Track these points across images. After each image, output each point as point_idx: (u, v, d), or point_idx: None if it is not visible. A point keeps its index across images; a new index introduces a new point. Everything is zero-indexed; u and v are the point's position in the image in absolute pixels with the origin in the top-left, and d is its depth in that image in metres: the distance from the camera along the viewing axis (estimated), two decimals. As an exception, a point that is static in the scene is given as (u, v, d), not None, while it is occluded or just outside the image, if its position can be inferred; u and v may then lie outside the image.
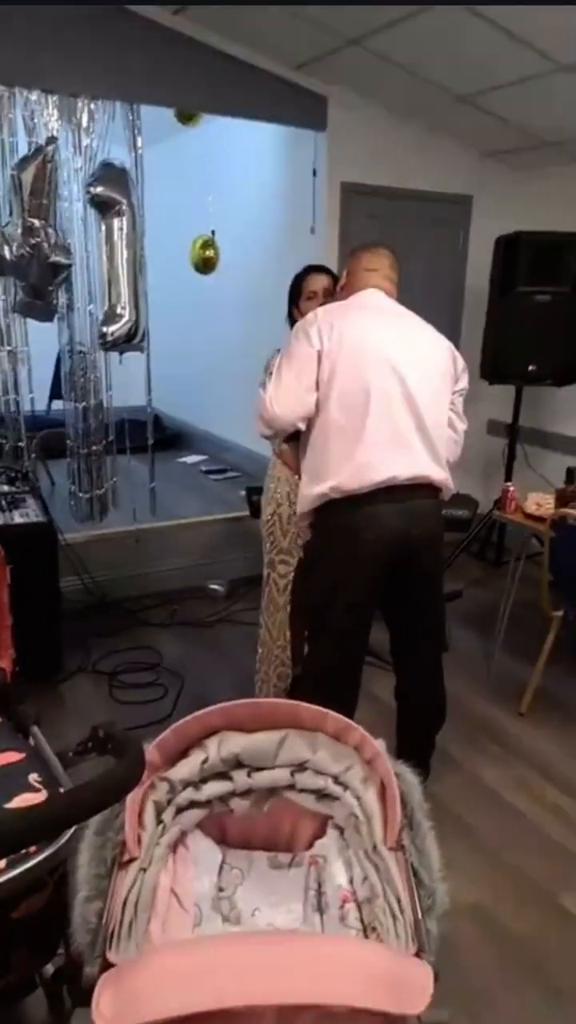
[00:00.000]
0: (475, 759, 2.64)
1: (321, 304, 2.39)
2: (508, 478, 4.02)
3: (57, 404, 4.52)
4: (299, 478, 2.24)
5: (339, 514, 2.07)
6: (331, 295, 2.43)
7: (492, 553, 4.31)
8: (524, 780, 2.55)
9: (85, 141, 3.35)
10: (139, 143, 3.48)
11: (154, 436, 4.08)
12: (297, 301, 2.52)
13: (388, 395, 2.02)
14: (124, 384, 3.96)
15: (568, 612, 2.83)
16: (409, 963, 0.92)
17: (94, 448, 3.81)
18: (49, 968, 1.29)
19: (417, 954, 1.03)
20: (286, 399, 2.05)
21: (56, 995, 1.33)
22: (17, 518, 3.02)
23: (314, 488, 2.09)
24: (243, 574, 3.89)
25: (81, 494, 3.86)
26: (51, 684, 3.02)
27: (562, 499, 2.96)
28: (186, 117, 4.12)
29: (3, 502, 3.16)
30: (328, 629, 2.17)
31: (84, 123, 3.32)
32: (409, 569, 2.11)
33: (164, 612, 3.73)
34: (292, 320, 2.52)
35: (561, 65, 2.92)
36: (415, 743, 2.28)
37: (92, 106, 3.31)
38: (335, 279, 2.47)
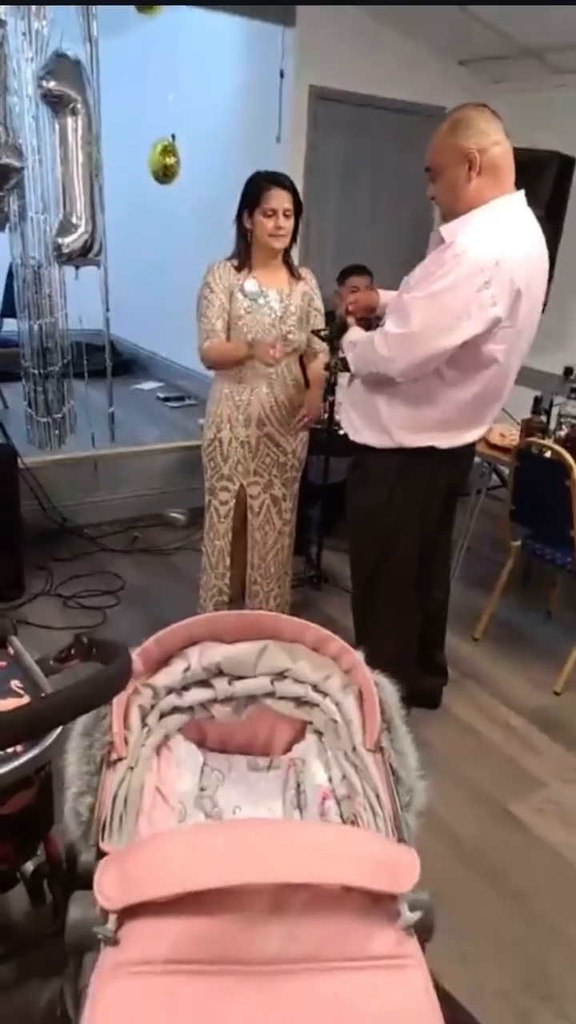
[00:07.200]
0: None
1: (278, 227, 2.18)
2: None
3: (9, 323, 4.31)
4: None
5: (432, 458, 2.00)
6: (289, 217, 2.21)
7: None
8: (477, 700, 2.65)
9: (36, 26, 3.08)
10: (95, 33, 3.23)
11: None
12: (252, 210, 2.22)
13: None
14: (78, 304, 3.78)
15: (527, 541, 2.90)
16: (395, 847, 0.96)
17: (51, 370, 3.67)
18: (29, 866, 1.33)
19: (397, 844, 1.08)
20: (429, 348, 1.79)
21: (37, 889, 1.38)
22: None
23: (418, 439, 1.97)
24: (203, 504, 3.86)
25: (39, 418, 3.73)
26: (14, 607, 2.99)
27: (528, 429, 2.99)
28: (145, 6, 3.82)
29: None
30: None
31: (34, 7, 3.05)
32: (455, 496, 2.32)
33: (124, 538, 3.69)
34: (241, 227, 2.27)
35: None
36: (439, 641, 2.55)
37: (43, -11, 3.05)
38: (296, 199, 2.22)
